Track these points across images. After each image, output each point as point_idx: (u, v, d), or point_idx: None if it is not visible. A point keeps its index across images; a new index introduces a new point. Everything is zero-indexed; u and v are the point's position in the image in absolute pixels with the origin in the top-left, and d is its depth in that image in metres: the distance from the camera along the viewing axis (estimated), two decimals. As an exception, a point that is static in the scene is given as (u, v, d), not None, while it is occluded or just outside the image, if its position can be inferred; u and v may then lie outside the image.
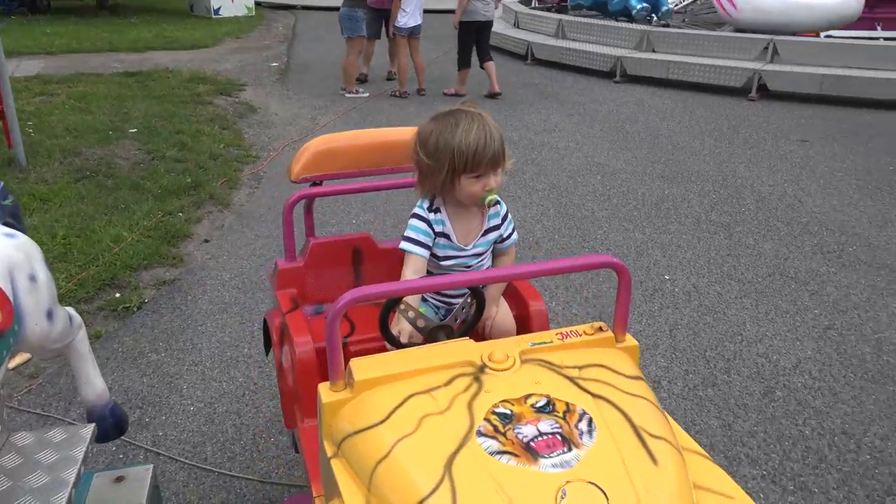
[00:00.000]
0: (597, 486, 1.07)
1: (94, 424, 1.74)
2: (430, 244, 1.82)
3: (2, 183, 1.78)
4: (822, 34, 10.31)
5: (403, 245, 1.83)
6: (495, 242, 1.92)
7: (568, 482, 1.08)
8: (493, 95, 8.71)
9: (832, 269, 4.22)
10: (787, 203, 5.29)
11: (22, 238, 1.65)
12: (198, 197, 5.11)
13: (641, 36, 10.27)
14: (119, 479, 1.92)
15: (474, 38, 8.58)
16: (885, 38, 10.17)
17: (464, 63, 8.72)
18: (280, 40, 13.77)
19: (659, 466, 1.14)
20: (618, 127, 7.50)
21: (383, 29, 9.09)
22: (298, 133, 7.15)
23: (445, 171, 1.72)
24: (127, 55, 11.40)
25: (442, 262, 1.86)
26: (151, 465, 1.98)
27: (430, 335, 1.61)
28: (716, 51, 9.59)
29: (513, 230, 1.95)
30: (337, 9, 8.70)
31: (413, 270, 1.82)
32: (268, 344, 2.20)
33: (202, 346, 3.35)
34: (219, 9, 16.92)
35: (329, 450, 1.31)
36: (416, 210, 1.84)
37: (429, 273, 1.87)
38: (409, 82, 8.90)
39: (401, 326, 1.71)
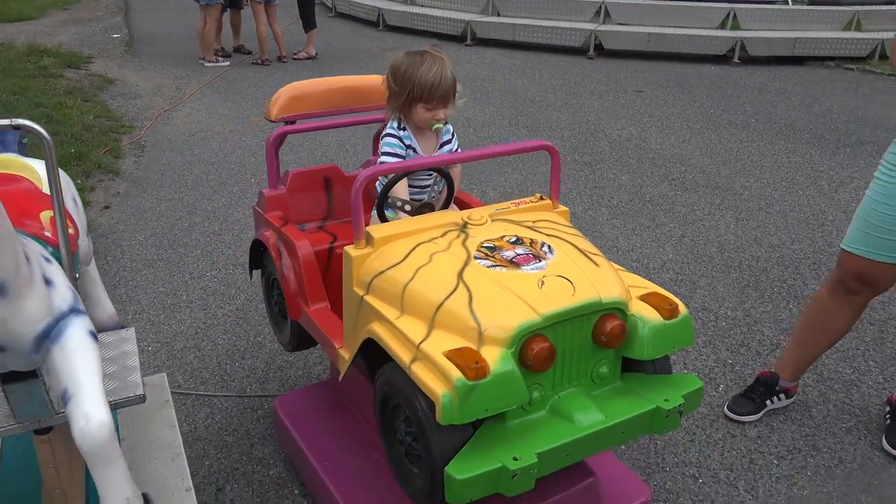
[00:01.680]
0: (564, 277, 1.61)
1: (132, 327, 1.96)
2: (405, 156, 2.16)
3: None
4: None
5: (383, 159, 2.14)
6: None
7: (544, 276, 1.60)
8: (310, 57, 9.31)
9: (678, 192, 5.02)
10: (635, 143, 6.08)
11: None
12: (85, 167, 5.05)
13: (487, 1, 10.90)
14: (139, 387, 2.14)
15: None
16: (695, 0, 11.42)
17: (312, 24, 9.18)
18: (113, 11, 13.05)
19: (600, 268, 1.70)
20: (478, 85, 8.06)
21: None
22: (168, 103, 7.07)
23: (405, 96, 2.09)
24: (-60, 30, 10.43)
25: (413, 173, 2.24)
26: (164, 374, 2.21)
27: (418, 213, 2.04)
28: (555, 13, 10.40)
29: (458, 146, 2.36)
30: None
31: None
32: (252, 266, 2.46)
33: (140, 298, 3.49)
34: (35, -21, 15.59)
35: (360, 291, 1.75)
36: (388, 129, 2.17)
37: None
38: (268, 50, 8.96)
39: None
